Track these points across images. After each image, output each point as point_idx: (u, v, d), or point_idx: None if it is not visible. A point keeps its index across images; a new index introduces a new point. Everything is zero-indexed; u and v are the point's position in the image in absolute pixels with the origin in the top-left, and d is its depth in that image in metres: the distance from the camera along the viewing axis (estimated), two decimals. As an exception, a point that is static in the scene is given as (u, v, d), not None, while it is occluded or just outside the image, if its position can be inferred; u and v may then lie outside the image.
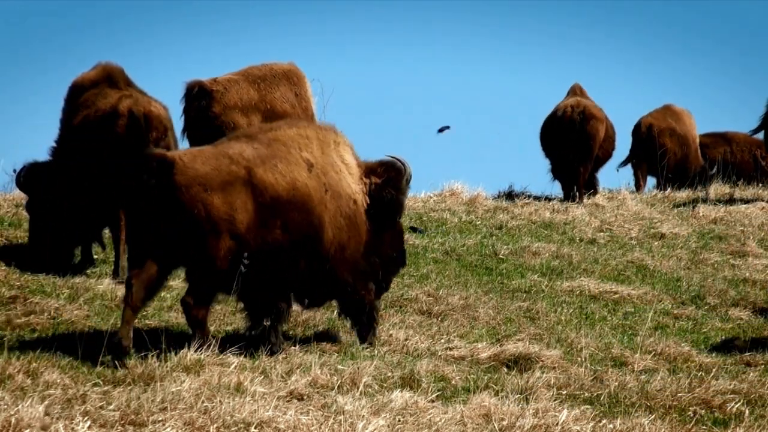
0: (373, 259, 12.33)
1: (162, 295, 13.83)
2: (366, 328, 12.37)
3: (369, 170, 12.41)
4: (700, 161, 26.08)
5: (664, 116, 25.90)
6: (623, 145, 25.36)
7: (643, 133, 25.61)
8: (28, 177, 14.99)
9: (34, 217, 14.98)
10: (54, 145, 15.02)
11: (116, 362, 10.90)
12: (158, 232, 11.12)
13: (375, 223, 12.32)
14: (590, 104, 23.31)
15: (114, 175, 13.76)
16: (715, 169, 25.85)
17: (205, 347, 11.17)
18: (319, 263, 11.86)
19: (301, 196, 11.65)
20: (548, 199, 22.69)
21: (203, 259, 11.19)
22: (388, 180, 12.38)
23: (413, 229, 18.75)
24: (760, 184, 25.23)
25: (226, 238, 11.20)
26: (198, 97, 18.47)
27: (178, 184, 11.10)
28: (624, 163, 25.91)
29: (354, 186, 12.22)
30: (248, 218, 11.32)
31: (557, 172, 23.30)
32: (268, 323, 11.81)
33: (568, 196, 22.88)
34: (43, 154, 15.05)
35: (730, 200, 22.80)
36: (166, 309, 13.36)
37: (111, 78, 15.02)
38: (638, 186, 25.18)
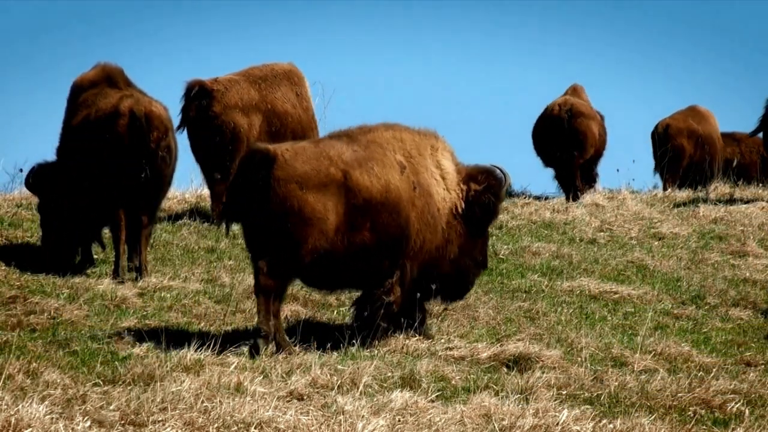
0: (464, 261, 12.76)
1: (162, 295, 13.85)
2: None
3: (469, 176, 12.77)
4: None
5: (685, 117, 25.91)
6: (639, 148, 25.51)
7: (660, 134, 25.66)
8: (37, 178, 15.03)
9: (44, 218, 15.03)
10: (57, 145, 15.05)
11: (253, 351, 11.53)
12: (257, 221, 11.71)
13: (468, 227, 12.69)
14: (578, 102, 23.55)
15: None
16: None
17: (262, 334, 11.55)
18: (403, 261, 12.23)
19: (393, 198, 12.05)
20: (548, 199, 22.70)
21: (287, 252, 11.62)
22: (488, 187, 12.75)
23: None
24: (760, 185, 25.20)
25: (313, 235, 11.67)
26: (198, 96, 18.48)
27: (276, 178, 11.65)
28: (657, 169, 25.84)
29: (447, 190, 12.58)
30: (338, 218, 11.80)
31: (554, 172, 23.57)
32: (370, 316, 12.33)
33: (568, 196, 23.02)
34: (43, 154, 15.13)
35: (730, 200, 22.80)
36: (166, 309, 13.36)
37: (110, 78, 15.03)
38: (665, 187, 25.19)
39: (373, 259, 12.07)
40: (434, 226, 12.41)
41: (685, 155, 25.40)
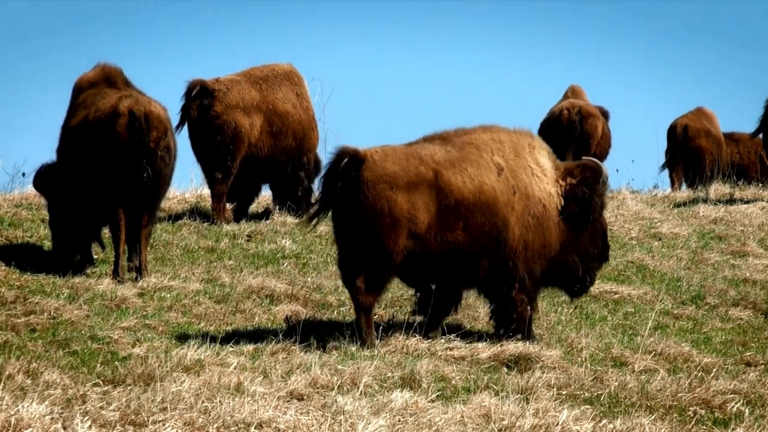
0: (572, 257, 12.86)
1: (162, 295, 13.85)
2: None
3: (567, 172, 12.88)
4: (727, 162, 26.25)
5: (699, 118, 26.04)
6: (639, 148, 25.55)
7: (679, 135, 25.74)
8: (44, 178, 15.04)
9: (53, 218, 15.05)
10: (56, 145, 15.05)
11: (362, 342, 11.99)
12: (347, 222, 12.05)
13: (571, 222, 12.81)
14: (584, 104, 23.72)
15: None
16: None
17: (364, 334, 12.01)
18: (502, 261, 12.42)
19: (487, 199, 12.25)
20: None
21: (380, 251, 11.94)
22: (582, 180, 12.83)
23: None
24: (760, 185, 25.22)
25: (404, 235, 11.97)
26: (200, 96, 18.48)
27: (365, 179, 11.96)
28: (664, 167, 25.95)
29: (547, 188, 12.71)
30: (429, 218, 12.05)
31: None
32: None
33: None
34: (43, 154, 15.15)
35: (730, 200, 22.79)
36: (166, 309, 13.36)
37: (109, 78, 15.05)
38: (673, 186, 25.25)
39: (469, 259, 12.31)
40: (537, 225, 12.59)
41: (705, 155, 25.52)
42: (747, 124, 24.21)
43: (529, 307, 12.67)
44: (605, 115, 24.75)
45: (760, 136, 23.28)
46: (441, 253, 12.18)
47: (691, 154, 25.45)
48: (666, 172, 25.98)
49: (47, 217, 15.38)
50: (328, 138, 21.04)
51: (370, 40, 42.94)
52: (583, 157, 13.49)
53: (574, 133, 23.36)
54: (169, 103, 15.02)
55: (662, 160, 26.00)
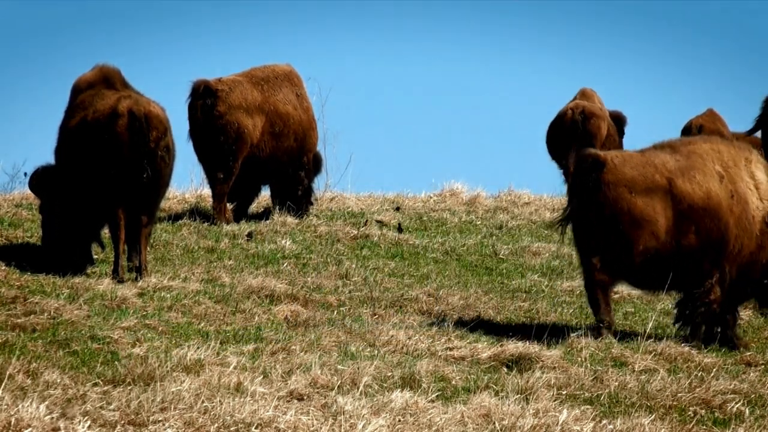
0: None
1: (162, 295, 13.85)
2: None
3: None
4: None
5: (712, 119, 26.15)
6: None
7: (695, 135, 25.84)
8: (40, 180, 15.03)
9: (45, 219, 15.04)
10: (54, 146, 15.05)
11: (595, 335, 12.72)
12: (589, 221, 13.04)
13: None
14: (589, 104, 23.92)
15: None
16: None
17: (605, 324, 12.86)
18: (720, 265, 13.23)
19: (714, 204, 13.13)
20: (548, 199, 22.70)
21: (619, 250, 12.87)
22: None
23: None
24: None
25: (644, 236, 12.90)
26: (203, 96, 18.49)
27: (606, 181, 12.92)
28: None
29: (761, 200, 13.47)
30: (666, 222, 12.98)
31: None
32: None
33: None
34: (43, 154, 15.13)
35: (731, 200, 22.81)
36: (166, 309, 13.36)
37: (108, 79, 15.04)
38: None
39: (696, 262, 13.15)
40: (750, 231, 13.33)
41: None
42: (746, 125, 24.25)
43: (736, 313, 13.54)
44: (621, 119, 25.09)
45: (758, 134, 23.30)
46: (672, 255, 13.07)
47: None
48: None
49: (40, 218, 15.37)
50: (327, 138, 21.09)
51: (371, 39, 42.90)
52: None
53: (576, 133, 23.62)
54: (166, 103, 15.00)
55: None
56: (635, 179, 12.98)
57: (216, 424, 9.28)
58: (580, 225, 13.21)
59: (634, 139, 26.07)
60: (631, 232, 12.90)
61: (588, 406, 10.42)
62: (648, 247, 12.94)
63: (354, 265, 16.03)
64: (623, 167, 13.03)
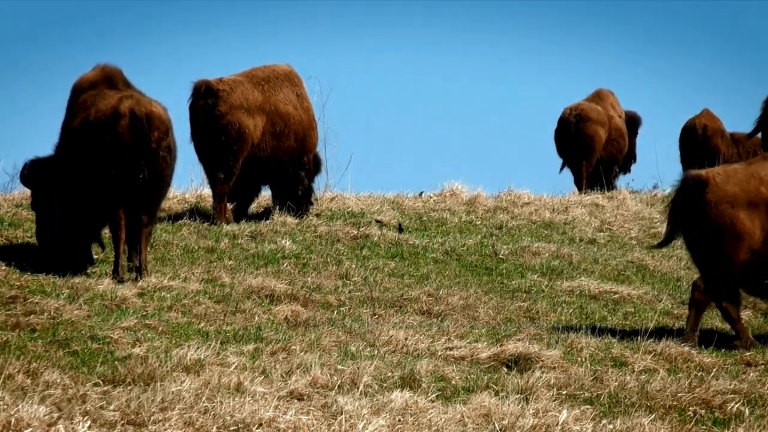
0: None
1: (162, 295, 13.86)
2: None
3: None
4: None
5: (714, 119, 26.19)
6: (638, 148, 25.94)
7: (699, 135, 25.89)
8: (32, 172, 15.01)
9: (39, 214, 15.03)
10: (56, 144, 15.04)
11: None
12: (695, 238, 13.43)
13: None
14: (588, 107, 24.22)
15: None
16: None
17: (688, 330, 13.25)
18: None
19: None
20: (548, 199, 22.71)
21: (721, 262, 13.29)
22: None
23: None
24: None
25: (744, 249, 13.26)
26: (204, 96, 18.50)
27: (708, 200, 13.31)
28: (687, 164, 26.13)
29: None
30: (765, 234, 13.31)
31: (572, 174, 24.61)
32: None
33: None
34: (43, 154, 15.06)
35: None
36: (166, 309, 13.37)
37: (110, 79, 15.03)
38: None
39: None
40: None
41: (720, 155, 25.69)
42: (745, 125, 24.26)
43: None
44: (635, 120, 25.31)
45: (759, 135, 23.32)
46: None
47: (707, 153, 25.60)
48: (660, 171, 26.37)
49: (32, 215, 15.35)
50: (327, 138, 21.09)
51: (371, 39, 42.92)
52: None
53: (569, 134, 24.19)
54: (167, 103, 15.01)
55: (662, 160, 26.20)
56: (738, 195, 13.32)
57: (216, 424, 9.28)
58: (689, 241, 13.58)
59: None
60: (733, 245, 13.23)
61: (588, 406, 10.42)
62: (747, 258, 13.24)
63: (354, 265, 16.04)
64: (726, 185, 13.37)
